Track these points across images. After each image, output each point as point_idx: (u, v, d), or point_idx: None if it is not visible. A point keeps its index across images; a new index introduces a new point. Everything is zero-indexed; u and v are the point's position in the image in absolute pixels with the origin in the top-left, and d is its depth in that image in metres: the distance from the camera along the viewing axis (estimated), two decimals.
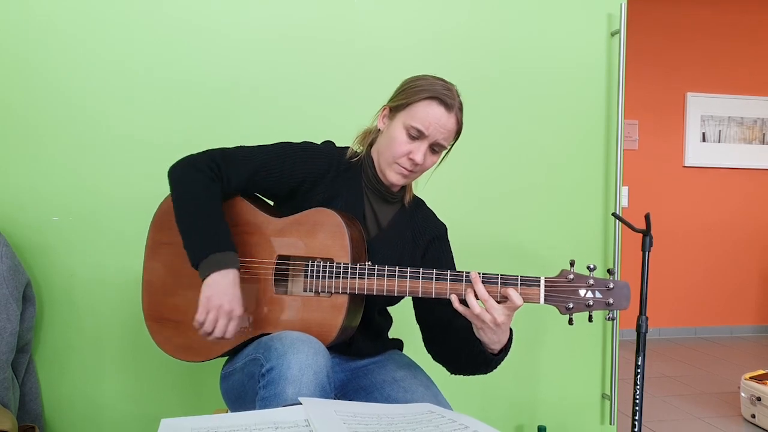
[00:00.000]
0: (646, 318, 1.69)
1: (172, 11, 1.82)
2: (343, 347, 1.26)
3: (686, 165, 4.56)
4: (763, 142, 4.65)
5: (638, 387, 1.69)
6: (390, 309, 1.44)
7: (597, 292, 1.09)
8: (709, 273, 4.62)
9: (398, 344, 1.43)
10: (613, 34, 2.10)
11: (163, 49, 1.81)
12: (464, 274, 1.12)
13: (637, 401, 1.69)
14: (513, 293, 1.07)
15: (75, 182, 1.78)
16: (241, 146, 1.29)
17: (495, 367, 1.20)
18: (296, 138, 1.35)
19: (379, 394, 1.20)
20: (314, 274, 1.19)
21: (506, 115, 2.05)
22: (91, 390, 1.82)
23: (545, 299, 1.09)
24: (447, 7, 2.00)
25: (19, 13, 1.74)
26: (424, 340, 1.35)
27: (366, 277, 1.16)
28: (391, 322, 1.43)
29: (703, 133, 4.56)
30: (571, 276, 1.10)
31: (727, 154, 4.59)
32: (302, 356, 1.01)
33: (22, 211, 1.75)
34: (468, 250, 1.94)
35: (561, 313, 1.10)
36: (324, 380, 1.02)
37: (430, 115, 1.18)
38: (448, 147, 1.26)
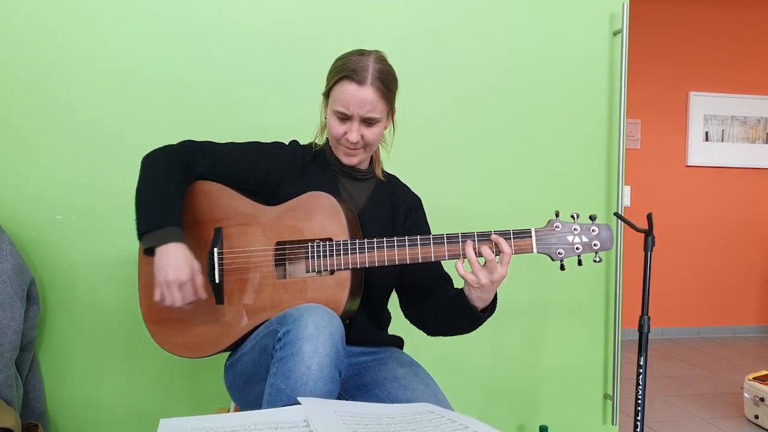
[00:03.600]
0: (649, 318, 1.68)
1: (170, 12, 1.82)
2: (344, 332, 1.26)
3: (689, 164, 4.55)
4: (766, 142, 4.63)
5: (640, 387, 1.68)
6: (391, 309, 1.44)
7: (583, 237, 1.19)
8: (712, 273, 4.61)
9: (399, 342, 1.44)
10: (615, 34, 2.10)
11: (163, 50, 1.82)
12: (459, 235, 1.19)
13: (640, 401, 1.69)
14: (502, 241, 1.16)
15: (78, 181, 1.79)
16: (213, 141, 1.36)
17: (479, 326, 1.26)
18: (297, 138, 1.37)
19: (379, 391, 1.21)
20: (315, 254, 1.23)
21: (508, 115, 2.05)
22: (94, 388, 1.83)
23: (538, 248, 1.18)
24: (448, 6, 2.00)
25: (20, 13, 1.75)
26: (403, 304, 1.41)
27: (366, 250, 1.21)
28: (390, 317, 1.45)
29: (706, 133, 4.55)
30: (558, 225, 1.19)
31: (731, 154, 4.58)
32: (318, 318, 1.05)
33: (26, 209, 1.76)
34: None
35: (552, 259, 1.19)
36: (338, 342, 1.05)
37: (345, 95, 1.22)
38: (383, 114, 1.27)
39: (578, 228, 1.19)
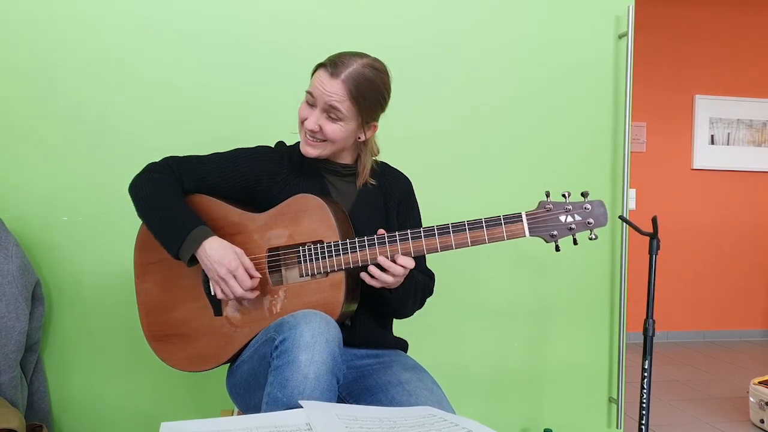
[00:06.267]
0: (653, 321, 1.68)
1: (176, 15, 1.83)
2: (347, 334, 1.26)
3: (694, 167, 4.53)
4: None
5: (645, 391, 1.68)
6: None
7: (576, 215, 1.15)
8: (717, 276, 4.59)
9: (403, 345, 1.44)
10: (620, 37, 2.09)
11: (168, 53, 1.83)
12: (449, 225, 1.18)
13: (644, 405, 1.68)
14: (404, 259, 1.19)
15: (84, 183, 1.79)
16: (197, 155, 1.36)
17: (398, 304, 1.29)
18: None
19: (383, 396, 1.20)
20: (307, 258, 1.22)
21: (513, 117, 2.05)
22: (99, 389, 1.83)
23: (530, 232, 1.16)
24: (454, 8, 2.00)
25: (26, 20, 1.76)
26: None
27: (357, 249, 1.20)
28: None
29: (712, 136, 4.53)
30: (550, 205, 1.16)
31: (736, 157, 4.55)
32: (314, 325, 1.04)
33: (31, 211, 1.77)
34: (473, 253, 1.94)
35: (546, 241, 1.16)
36: (335, 350, 1.04)
37: (315, 79, 1.24)
38: (349, 114, 1.24)
39: (571, 206, 1.15)
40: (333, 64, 1.22)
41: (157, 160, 1.33)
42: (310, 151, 1.28)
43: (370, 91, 1.24)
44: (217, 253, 1.18)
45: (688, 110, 4.52)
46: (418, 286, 1.32)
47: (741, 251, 4.61)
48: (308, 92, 1.25)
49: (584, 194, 1.16)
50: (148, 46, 1.81)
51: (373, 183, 1.37)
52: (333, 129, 1.25)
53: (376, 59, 1.27)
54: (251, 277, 1.21)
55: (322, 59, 1.26)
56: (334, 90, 1.21)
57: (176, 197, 1.26)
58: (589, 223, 1.15)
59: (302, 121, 1.27)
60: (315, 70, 1.26)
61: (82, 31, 1.78)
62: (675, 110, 4.49)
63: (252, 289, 1.21)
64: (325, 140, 1.27)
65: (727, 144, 4.54)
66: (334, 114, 1.23)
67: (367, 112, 1.26)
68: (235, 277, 1.18)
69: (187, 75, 1.83)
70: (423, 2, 1.98)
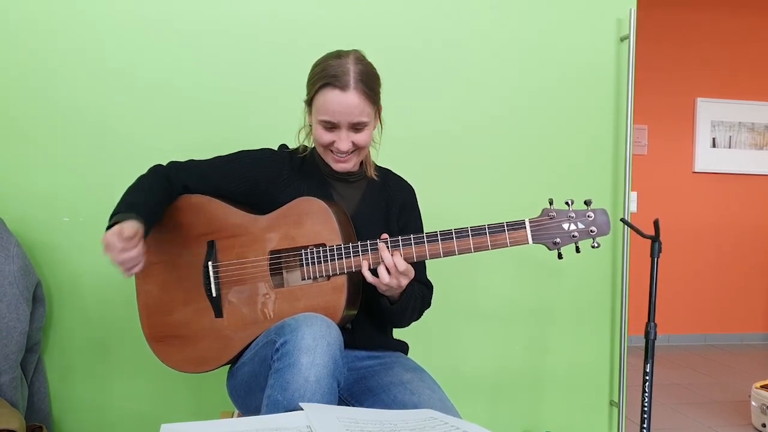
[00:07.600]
0: (655, 325, 1.67)
1: (178, 15, 1.83)
2: (348, 337, 1.26)
3: (696, 170, 4.52)
4: None
5: (646, 394, 1.67)
6: None
7: (579, 224, 1.16)
8: (719, 279, 4.58)
9: (404, 347, 1.43)
10: (622, 40, 2.09)
11: (168, 53, 1.83)
12: (452, 231, 1.18)
13: (646, 409, 1.68)
14: (398, 259, 1.17)
15: (85, 184, 1.79)
16: (200, 159, 1.36)
17: (393, 317, 1.29)
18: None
19: (385, 396, 1.20)
20: (309, 261, 1.21)
21: (514, 119, 2.05)
22: (99, 390, 1.83)
23: (533, 239, 1.16)
24: (455, 9, 2.00)
25: (27, 20, 1.76)
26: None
27: (360, 253, 1.19)
28: None
29: (714, 139, 4.52)
30: (553, 213, 1.16)
31: (738, 160, 4.55)
32: (316, 328, 1.04)
33: (33, 212, 1.77)
34: (475, 255, 1.94)
35: (549, 249, 1.17)
36: (336, 353, 1.04)
37: (329, 103, 1.19)
38: (370, 117, 1.24)
39: (574, 214, 1.16)
40: (335, 78, 1.18)
41: (161, 163, 1.35)
42: (346, 166, 1.28)
43: (374, 82, 1.24)
44: (109, 232, 1.15)
45: (690, 113, 4.51)
46: (417, 299, 1.31)
47: (742, 254, 4.60)
48: (324, 120, 1.21)
49: (587, 202, 1.17)
50: (148, 46, 1.81)
51: (377, 176, 1.37)
52: (363, 137, 1.24)
53: (354, 50, 1.25)
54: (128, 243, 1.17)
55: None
56: (354, 103, 1.19)
57: (147, 192, 1.26)
58: (592, 231, 1.15)
59: (327, 146, 1.25)
60: (316, 93, 1.21)
61: (81, 31, 1.78)
62: (676, 113, 4.49)
63: (129, 249, 1.17)
64: (355, 150, 1.26)
65: (729, 147, 4.54)
66: (360, 125, 1.22)
67: (378, 102, 1.28)
68: (110, 251, 1.15)
69: (187, 75, 1.83)
70: (423, 3, 1.98)
